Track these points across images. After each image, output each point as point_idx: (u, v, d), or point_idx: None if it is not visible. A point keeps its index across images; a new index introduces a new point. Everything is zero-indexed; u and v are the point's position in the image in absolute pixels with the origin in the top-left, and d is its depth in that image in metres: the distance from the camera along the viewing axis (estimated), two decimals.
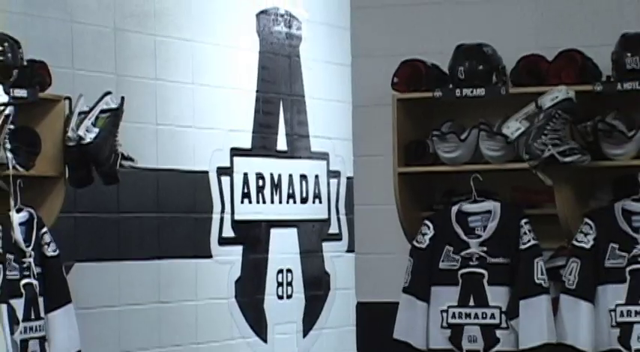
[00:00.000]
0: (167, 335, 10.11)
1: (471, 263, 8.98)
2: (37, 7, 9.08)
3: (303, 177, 11.46)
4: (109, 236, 9.66)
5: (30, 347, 8.31)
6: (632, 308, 8.70)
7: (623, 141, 8.79)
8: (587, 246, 8.77)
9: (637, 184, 8.79)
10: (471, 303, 8.97)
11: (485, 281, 8.97)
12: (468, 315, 8.96)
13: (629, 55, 8.72)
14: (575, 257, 8.81)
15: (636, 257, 8.70)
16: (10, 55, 8.34)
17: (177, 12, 10.31)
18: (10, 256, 8.22)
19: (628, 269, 8.72)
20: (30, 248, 8.33)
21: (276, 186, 11.22)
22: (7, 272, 8.19)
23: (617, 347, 8.75)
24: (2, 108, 8.03)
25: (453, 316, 8.98)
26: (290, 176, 11.35)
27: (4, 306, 8.10)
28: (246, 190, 10.94)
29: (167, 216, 10.22)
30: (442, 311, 8.99)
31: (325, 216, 11.65)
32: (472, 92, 9.02)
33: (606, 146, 8.82)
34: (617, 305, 8.75)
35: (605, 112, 8.91)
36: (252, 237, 10.98)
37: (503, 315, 8.95)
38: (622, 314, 8.73)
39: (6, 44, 8.33)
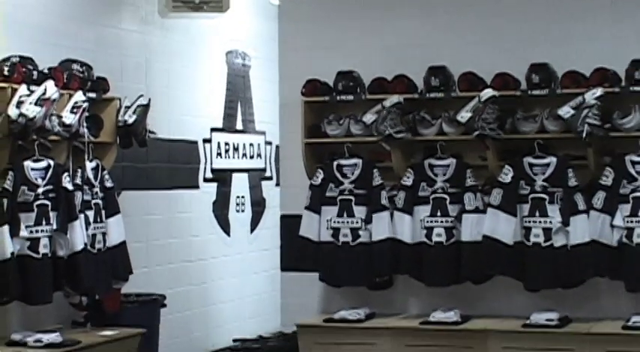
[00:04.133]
0: (175, 231, 9.92)
1: (345, 192, 8.99)
2: (102, 46, 8.98)
3: (251, 144, 11.35)
4: (141, 176, 9.49)
5: (97, 238, 8.23)
6: (433, 218, 8.79)
7: (429, 126, 8.94)
8: (409, 184, 8.85)
9: (436, 150, 8.86)
10: (345, 215, 8.97)
11: (353, 203, 9.00)
12: (342, 222, 8.98)
13: (432, 77, 8.84)
14: (402, 190, 8.88)
15: (436, 190, 8.80)
16: (86, 73, 8.33)
17: (182, 52, 10.23)
18: (85, 187, 8.16)
19: (431, 197, 8.81)
20: (97, 182, 8.31)
21: (235, 149, 11.09)
22: (84, 196, 8.13)
23: (425, 240, 8.82)
24: (81, 103, 8.01)
25: (335, 222, 9.00)
26: (244, 144, 11.22)
27: (82, 215, 8.06)
28: (218, 151, 10.79)
29: (174, 165, 10.11)
30: (327, 220, 9.00)
31: (263, 166, 11.56)
32: (346, 98, 9.12)
33: (420, 128, 8.97)
34: (425, 217, 8.82)
35: (420, 109, 8.99)
36: (222, 178, 10.82)
37: (363, 222, 8.97)
38: (427, 222, 8.82)
39: (84, 67, 8.31)
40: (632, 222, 8.35)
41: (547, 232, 8.52)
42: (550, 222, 8.51)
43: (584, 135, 8.27)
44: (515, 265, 8.58)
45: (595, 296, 8.66)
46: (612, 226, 8.40)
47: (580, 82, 8.58)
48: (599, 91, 8.36)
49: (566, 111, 8.38)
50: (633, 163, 8.37)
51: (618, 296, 8.51)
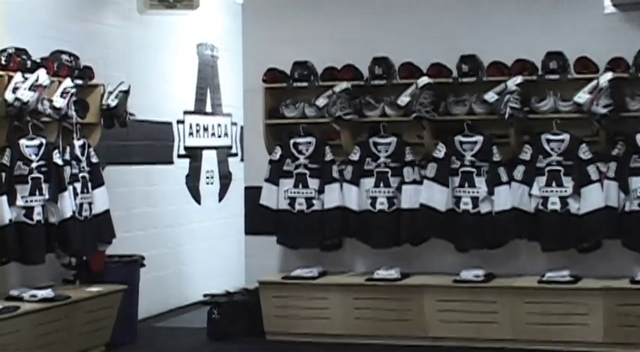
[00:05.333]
0: (152, 201, 9.85)
1: (300, 167, 8.91)
2: (88, 39, 8.92)
3: (219, 125, 11.38)
4: (122, 153, 9.45)
5: (84, 206, 8.25)
6: (376, 189, 8.74)
7: (374, 109, 8.88)
8: (356, 159, 8.81)
9: (380, 130, 8.82)
10: (300, 186, 8.89)
11: (307, 176, 8.92)
12: (298, 192, 8.90)
13: (376, 67, 8.81)
14: (350, 164, 8.82)
15: (379, 164, 8.74)
16: (74, 63, 8.39)
17: (158, 44, 10.16)
18: (73, 162, 8.20)
19: (375, 170, 8.76)
20: (84, 158, 8.33)
21: (205, 129, 11.10)
22: (72, 170, 8.17)
23: (370, 208, 8.74)
24: (69, 89, 8.07)
25: (291, 193, 8.91)
26: (212, 125, 11.16)
27: (71, 187, 8.09)
28: (190, 131, 10.70)
29: (151, 143, 10.06)
30: (285, 191, 8.91)
31: (230, 144, 11.50)
32: (301, 84, 9.03)
33: (366, 111, 8.90)
34: (370, 188, 8.76)
35: (365, 94, 8.92)
36: (193, 154, 10.74)
37: (316, 193, 8.88)
38: (372, 192, 8.77)
39: (72, 57, 8.38)
40: (546, 191, 8.39)
41: (475, 200, 8.54)
42: (477, 192, 8.53)
43: (506, 116, 8.28)
44: (447, 229, 8.59)
45: (515, 255, 8.71)
46: (530, 195, 8.43)
47: (503, 71, 8.59)
48: (519, 79, 8.39)
49: (491, 96, 8.42)
50: (548, 141, 8.42)
51: (535, 255, 8.57)
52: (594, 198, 8.29)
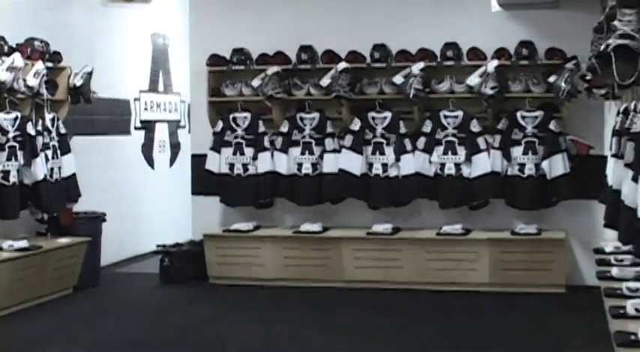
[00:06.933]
0: (113, 166, 9.82)
1: (238, 137, 8.86)
2: (57, 28, 8.88)
3: (170, 102, 11.22)
4: (86, 124, 9.37)
5: (54, 170, 8.27)
6: (302, 156, 8.74)
7: (300, 89, 8.83)
8: (285, 131, 8.76)
9: (305, 106, 8.79)
10: (238, 154, 8.84)
11: (244, 145, 8.86)
12: (236, 159, 8.85)
13: (302, 53, 8.76)
14: (280, 135, 8.78)
15: (305, 136, 8.72)
16: (45, 48, 8.33)
17: (118, 33, 10.13)
18: (45, 133, 8.19)
19: (301, 140, 8.73)
20: (54, 129, 8.33)
21: (158, 105, 11.01)
22: (44, 140, 8.15)
23: (297, 172, 8.73)
24: (41, 70, 8.03)
25: (231, 159, 8.86)
26: (164, 102, 11.07)
27: (42, 154, 8.07)
28: (145, 107, 10.66)
29: (112, 117, 9.95)
30: (225, 158, 8.86)
31: (179, 118, 11.41)
32: (239, 68, 8.96)
33: (294, 91, 8.83)
34: (297, 156, 8.74)
35: (293, 76, 8.83)
36: (148, 127, 10.64)
37: (251, 159, 8.82)
38: (299, 159, 8.75)
39: (43, 43, 8.33)
40: (443, 159, 8.49)
41: (384, 166, 8.60)
42: (386, 159, 8.59)
43: (411, 96, 8.34)
44: (361, 190, 8.64)
45: (418, 212, 8.80)
46: (430, 162, 8.53)
47: (408, 58, 8.63)
48: (421, 65, 8.44)
49: (398, 79, 8.48)
50: (445, 116, 8.51)
51: (434, 212, 8.67)
52: (482, 164, 8.42)
